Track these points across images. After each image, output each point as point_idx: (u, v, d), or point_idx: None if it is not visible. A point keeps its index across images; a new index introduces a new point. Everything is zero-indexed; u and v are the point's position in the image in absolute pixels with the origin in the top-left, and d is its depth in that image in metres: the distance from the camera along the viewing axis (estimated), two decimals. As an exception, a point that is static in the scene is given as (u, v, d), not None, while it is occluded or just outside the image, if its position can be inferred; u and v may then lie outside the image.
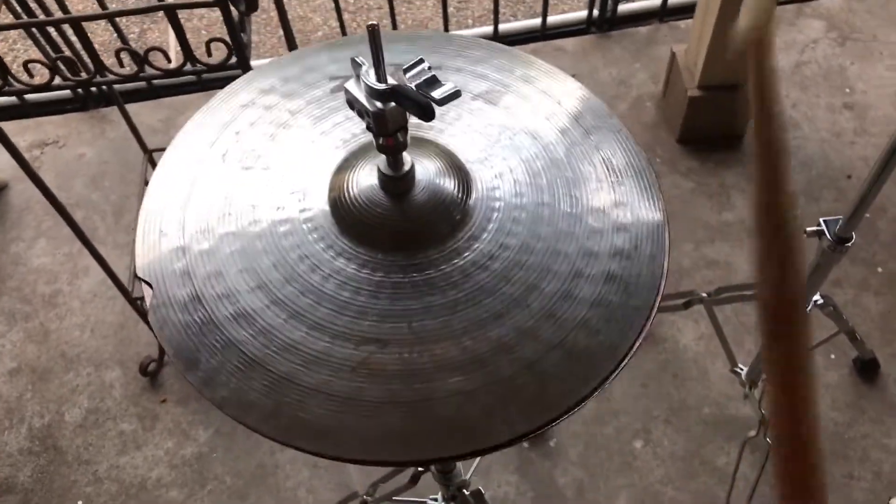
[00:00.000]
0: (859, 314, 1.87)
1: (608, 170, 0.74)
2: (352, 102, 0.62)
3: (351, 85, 0.61)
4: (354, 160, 0.72)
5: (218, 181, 0.74)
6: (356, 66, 0.60)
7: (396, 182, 0.68)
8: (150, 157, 2.15)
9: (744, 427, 1.72)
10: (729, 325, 1.85)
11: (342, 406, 0.62)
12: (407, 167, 0.67)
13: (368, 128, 0.62)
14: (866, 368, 1.79)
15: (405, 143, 0.64)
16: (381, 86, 0.58)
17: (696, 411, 1.77)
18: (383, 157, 0.66)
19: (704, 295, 1.65)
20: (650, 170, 0.74)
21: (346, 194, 0.69)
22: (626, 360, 0.64)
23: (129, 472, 1.77)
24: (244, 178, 0.74)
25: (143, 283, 0.69)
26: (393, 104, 0.60)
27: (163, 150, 0.79)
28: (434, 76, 0.59)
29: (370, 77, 0.59)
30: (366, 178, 0.70)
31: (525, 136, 0.76)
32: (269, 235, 0.70)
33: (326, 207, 0.70)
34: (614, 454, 1.73)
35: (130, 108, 2.15)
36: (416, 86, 0.59)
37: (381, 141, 0.63)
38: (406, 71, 0.60)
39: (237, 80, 0.83)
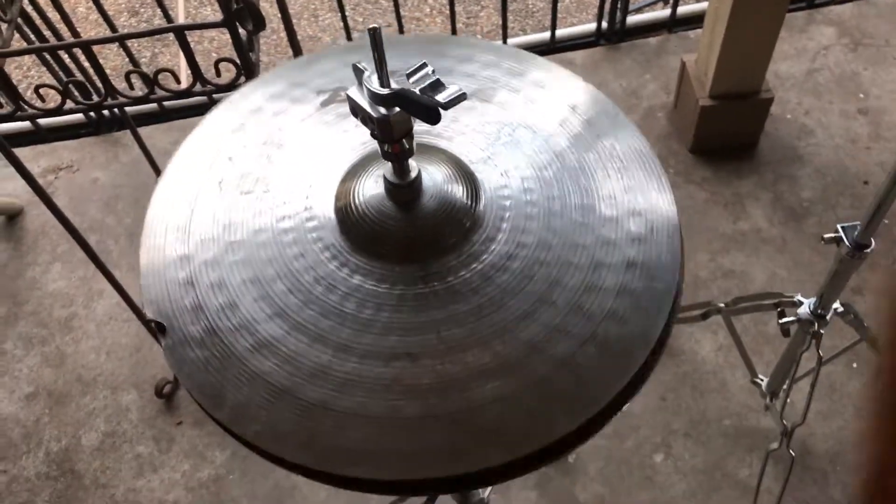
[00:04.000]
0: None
1: (612, 156, 0.73)
2: (355, 110, 0.61)
3: (353, 92, 0.60)
4: (358, 173, 0.71)
5: (218, 209, 0.73)
6: (358, 72, 0.59)
7: (404, 190, 0.67)
8: (163, 180, 2.16)
9: (765, 438, 1.69)
10: (748, 335, 1.83)
11: (380, 427, 0.61)
12: (414, 174, 0.66)
13: (373, 135, 0.62)
14: (890, 376, 1.76)
15: (412, 149, 0.64)
16: (385, 91, 0.58)
17: (717, 423, 1.74)
18: (389, 165, 0.66)
19: (722, 305, 1.62)
20: (652, 152, 0.73)
21: (354, 208, 0.68)
22: (660, 349, 0.63)
23: (145, 496, 1.76)
24: (245, 203, 0.73)
25: (155, 325, 0.67)
26: (397, 109, 0.59)
27: None
28: (438, 80, 0.58)
29: (373, 82, 0.58)
30: (372, 190, 0.69)
31: (525, 131, 0.75)
32: (279, 259, 0.68)
33: (335, 224, 0.69)
34: (634, 469, 1.70)
35: (142, 131, 2.17)
36: (420, 90, 0.58)
37: (386, 148, 0.62)
38: (409, 76, 0.59)
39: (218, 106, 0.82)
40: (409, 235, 0.68)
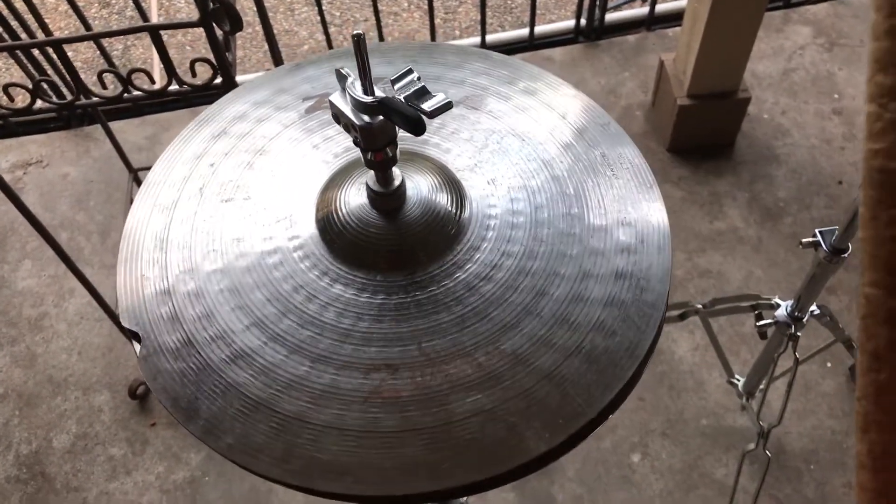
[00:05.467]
0: (854, 321, 1.85)
1: (602, 164, 0.72)
2: (337, 116, 0.60)
3: (336, 98, 0.59)
4: (339, 180, 0.69)
5: (197, 217, 0.71)
6: (341, 77, 0.58)
7: (387, 198, 0.65)
8: (136, 177, 2.12)
9: (742, 438, 1.70)
10: (724, 335, 1.84)
11: (358, 441, 0.59)
12: (397, 182, 0.65)
13: (356, 142, 0.60)
14: (864, 376, 1.77)
15: (395, 157, 0.62)
16: (368, 99, 0.56)
17: (694, 423, 1.75)
18: (371, 173, 0.64)
19: (699, 306, 1.63)
20: (643, 160, 0.72)
21: (336, 217, 0.67)
22: (646, 361, 0.62)
23: (119, 499, 1.73)
24: (225, 211, 0.71)
25: (130, 335, 0.66)
26: (381, 117, 0.58)
27: (149, 168, 0.76)
28: (424, 87, 0.57)
29: (356, 89, 0.56)
30: (354, 198, 0.67)
31: (513, 139, 0.74)
32: (259, 268, 0.66)
33: (316, 233, 0.67)
34: (612, 468, 1.70)
35: (115, 125, 2.13)
36: (404, 98, 0.57)
37: (369, 156, 0.61)
38: (394, 82, 0.58)
39: (205, 111, 0.80)
40: (391, 244, 0.67)
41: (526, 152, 0.72)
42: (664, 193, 2.07)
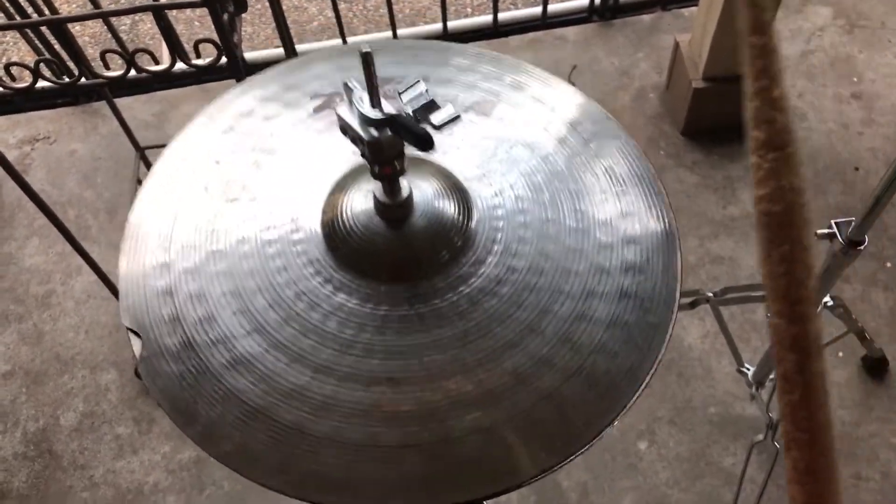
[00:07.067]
0: (868, 310, 1.84)
1: (611, 179, 0.70)
2: (345, 129, 0.58)
3: (343, 110, 0.57)
4: (347, 186, 0.68)
5: (202, 216, 0.70)
6: (348, 90, 0.56)
7: (394, 209, 0.64)
8: (143, 156, 2.10)
9: (750, 427, 1.69)
10: (735, 323, 1.82)
11: (356, 454, 0.59)
12: (405, 193, 0.63)
13: (363, 155, 0.58)
14: (875, 367, 1.76)
15: (403, 169, 0.60)
16: (377, 114, 0.54)
17: (702, 411, 1.74)
18: (379, 183, 0.62)
19: (710, 295, 1.61)
20: (654, 175, 0.70)
21: (341, 223, 0.65)
22: (646, 383, 0.61)
23: (125, 477, 1.74)
24: (230, 210, 0.69)
25: (130, 334, 0.65)
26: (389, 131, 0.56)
27: (156, 147, 0.74)
28: (432, 100, 0.56)
29: (364, 104, 0.55)
30: (360, 206, 0.66)
31: (522, 149, 0.72)
32: (262, 273, 0.65)
33: (321, 240, 0.66)
34: (618, 455, 1.70)
35: (122, 102, 2.10)
36: (413, 111, 0.55)
37: (377, 169, 0.59)
38: (402, 94, 0.56)
39: (208, 108, 0.78)
40: (396, 254, 0.65)
41: (535, 163, 0.71)
42: (677, 178, 2.05)
